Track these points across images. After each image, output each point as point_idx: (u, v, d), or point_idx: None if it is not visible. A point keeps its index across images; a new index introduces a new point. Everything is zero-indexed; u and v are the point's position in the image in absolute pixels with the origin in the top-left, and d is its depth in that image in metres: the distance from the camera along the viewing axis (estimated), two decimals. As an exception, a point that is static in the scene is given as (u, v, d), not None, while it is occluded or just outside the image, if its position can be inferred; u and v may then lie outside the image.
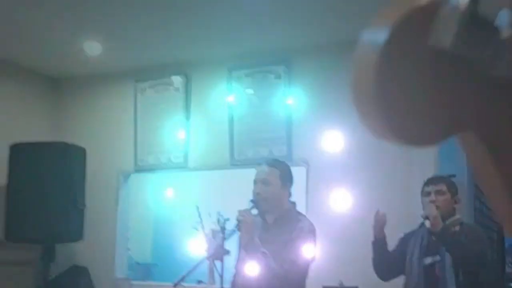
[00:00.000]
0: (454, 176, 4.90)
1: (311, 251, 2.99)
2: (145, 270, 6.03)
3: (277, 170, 3.10)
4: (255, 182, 3.09)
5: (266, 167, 3.12)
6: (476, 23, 0.67)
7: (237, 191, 5.02)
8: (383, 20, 0.69)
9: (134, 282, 5.32)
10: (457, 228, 3.24)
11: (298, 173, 4.71)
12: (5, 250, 5.03)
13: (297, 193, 4.58)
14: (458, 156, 5.05)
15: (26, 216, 4.77)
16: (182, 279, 2.81)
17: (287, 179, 3.12)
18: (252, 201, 3.06)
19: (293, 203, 3.17)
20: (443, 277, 3.17)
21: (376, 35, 0.69)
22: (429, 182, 3.38)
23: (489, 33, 0.68)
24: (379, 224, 3.34)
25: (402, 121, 0.68)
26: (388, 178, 4.45)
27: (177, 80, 5.31)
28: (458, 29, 0.67)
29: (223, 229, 5.01)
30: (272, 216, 3.08)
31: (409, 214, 3.82)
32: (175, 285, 2.78)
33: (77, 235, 4.97)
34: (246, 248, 2.93)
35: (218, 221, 5.02)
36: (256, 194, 3.06)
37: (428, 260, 3.25)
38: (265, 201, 3.04)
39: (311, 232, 3.04)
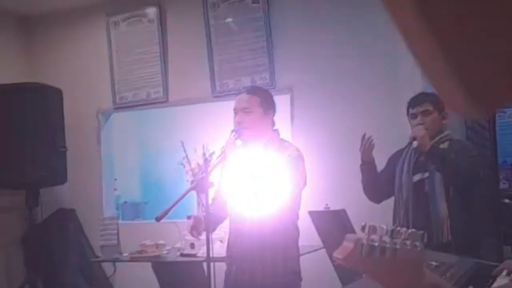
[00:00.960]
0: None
1: (303, 177, 2.90)
2: (134, 209, 5.97)
3: (258, 97, 2.95)
4: (235, 111, 2.96)
5: (246, 95, 2.97)
6: None
7: (221, 123, 4.90)
8: None
9: (122, 222, 5.25)
10: (446, 144, 3.14)
11: (282, 101, 4.60)
12: (-12, 197, 4.93)
13: (282, 121, 4.49)
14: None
15: (5, 161, 4.64)
16: (166, 212, 2.70)
17: (268, 106, 2.98)
18: (234, 130, 2.92)
19: (276, 131, 3.05)
20: (433, 194, 3.09)
21: None
22: (414, 103, 3.24)
23: None
24: (367, 148, 3.24)
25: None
26: (375, 99, 4.33)
27: (151, 11, 5.08)
28: None
29: (208, 161, 4.95)
30: (256, 145, 2.96)
31: (398, 135, 3.71)
32: (158, 219, 2.68)
33: (61, 178, 4.87)
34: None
35: (204, 155, 4.94)
36: (237, 123, 2.93)
37: (417, 177, 3.17)
38: (247, 130, 2.91)
39: (300, 158, 2.94)
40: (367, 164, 3.26)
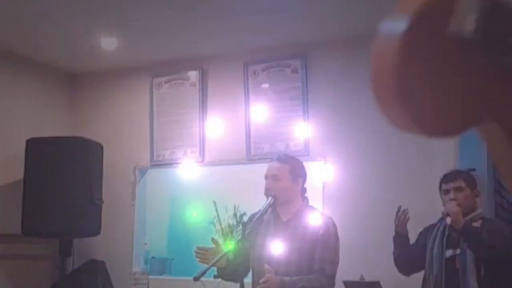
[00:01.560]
0: (474, 170, 4.84)
1: (337, 252, 2.99)
2: (161, 265, 6.03)
3: (287, 165, 3.08)
4: (266, 177, 3.09)
5: (276, 162, 3.11)
6: (498, 10, 0.64)
7: (253, 185, 5.00)
8: (403, 8, 0.67)
9: (152, 277, 5.32)
10: (478, 223, 3.19)
11: (315, 168, 4.71)
12: (23, 244, 5.06)
13: (314, 188, 4.58)
14: (478, 149, 4.99)
15: (43, 210, 4.78)
16: (204, 273, 2.77)
17: (298, 174, 3.10)
18: (271, 195, 3.02)
19: (306, 198, 3.15)
20: (464, 270, 3.12)
21: (396, 23, 0.67)
22: (447, 179, 3.31)
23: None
24: (402, 220, 3.29)
25: (424, 110, 0.66)
26: (408, 172, 4.41)
27: (193, 75, 5.30)
28: (479, 16, 0.64)
29: (239, 223, 5.03)
30: (286, 213, 3.06)
31: (429, 209, 3.78)
32: (196, 279, 2.75)
33: (95, 229, 4.98)
34: None
35: (235, 215, 5.04)
36: (266, 189, 3.06)
37: (449, 253, 3.20)
38: (277, 196, 3.02)
39: (335, 226, 3.03)
40: (401, 237, 3.31)
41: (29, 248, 5.14)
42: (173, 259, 6.25)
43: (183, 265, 5.99)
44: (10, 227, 5.00)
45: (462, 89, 0.66)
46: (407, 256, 3.34)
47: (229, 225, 4.99)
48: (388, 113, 0.68)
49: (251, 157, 5.01)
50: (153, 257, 6.00)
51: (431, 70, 0.66)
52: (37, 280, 5.20)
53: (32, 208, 4.83)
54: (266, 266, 2.81)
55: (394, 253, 3.37)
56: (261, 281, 2.79)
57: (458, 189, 3.23)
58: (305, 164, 3.55)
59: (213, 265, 2.76)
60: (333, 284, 2.96)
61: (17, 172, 4.94)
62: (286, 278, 2.86)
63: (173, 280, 5.31)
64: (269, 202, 2.98)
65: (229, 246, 2.97)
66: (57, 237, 4.95)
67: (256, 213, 3.06)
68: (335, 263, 2.96)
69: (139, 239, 5.52)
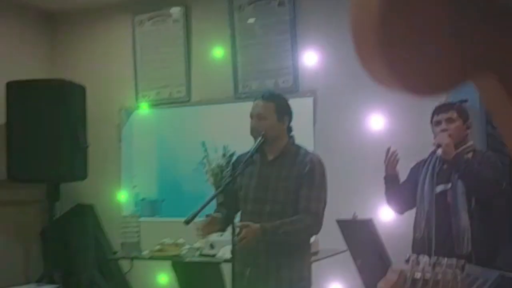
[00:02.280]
0: (466, 101, 4.76)
1: (325, 190, 2.93)
2: (152, 206, 5.98)
3: (272, 103, 2.99)
4: (251, 116, 3.00)
5: (261, 101, 3.02)
6: None
7: (242, 124, 4.90)
8: None
9: (142, 219, 5.27)
10: (470, 155, 3.14)
11: (305, 104, 4.60)
12: (9, 189, 4.98)
13: (305, 126, 4.48)
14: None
15: (28, 155, 4.69)
16: (195, 216, 2.71)
17: (284, 112, 3.01)
18: (262, 135, 2.93)
19: (292, 137, 3.07)
20: (455, 205, 3.10)
21: None
22: (439, 110, 3.24)
23: None
24: (392, 161, 3.25)
25: (408, 67, 0.56)
26: (398, 106, 4.31)
27: (176, 11, 5.10)
28: None
29: (229, 163, 4.95)
30: (272, 152, 2.98)
31: (421, 143, 3.70)
32: (187, 222, 2.68)
33: (82, 174, 4.90)
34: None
35: (224, 155, 4.96)
36: (252, 129, 2.98)
37: (440, 188, 3.16)
38: (265, 136, 2.93)
39: (321, 163, 2.96)
40: (391, 177, 3.27)
41: (16, 193, 5.07)
42: (163, 200, 6.21)
43: (173, 206, 5.95)
44: (-5, 172, 4.92)
45: (451, 43, 0.56)
46: (399, 195, 3.31)
47: (218, 165, 4.91)
48: (369, 68, 0.58)
49: (239, 95, 4.89)
50: (142, 199, 5.95)
51: (417, 23, 0.56)
52: (26, 225, 5.15)
53: (16, 153, 4.74)
54: (238, 223, 2.75)
55: (386, 194, 3.34)
56: (238, 237, 2.72)
57: (449, 120, 3.17)
58: (295, 100, 3.46)
59: (203, 208, 2.67)
60: (320, 223, 2.90)
61: (-1, 117, 4.81)
62: (268, 225, 2.79)
63: (163, 221, 5.27)
64: (259, 141, 2.89)
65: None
66: (44, 182, 4.87)
67: (243, 154, 2.98)
68: (321, 201, 2.90)
69: (127, 182, 5.45)
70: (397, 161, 3.25)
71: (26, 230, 5.12)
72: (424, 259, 1.04)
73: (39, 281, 4.58)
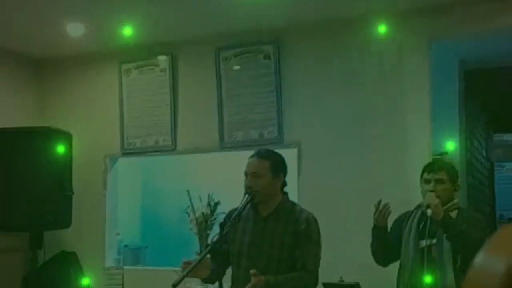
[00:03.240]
0: (446, 153, 4.88)
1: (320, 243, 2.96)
2: (134, 253, 5.95)
3: (268, 161, 3.01)
4: (246, 175, 3.00)
5: (256, 159, 3.02)
6: None
7: (228, 174, 4.94)
8: (499, 250, 0.76)
9: (126, 267, 5.25)
10: (454, 213, 3.19)
11: (289, 155, 4.65)
12: (-8, 237, 4.93)
13: (288, 176, 4.53)
14: (451, 132, 5.03)
15: (12, 203, 4.66)
16: (182, 279, 2.69)
17: (279, 169, 3.03)
18: (247, 193, 2.95)
19: (286, 193, 3.09)
20: (440, 260, 3.13)
21: (494, 264, 0.74)
22: (429, 169, 3.30)
23: None
24: (383, 214, 3.26)
25: None
26: (381, 158, 4.39)
27: (162, 60, 5.17)
28: None
29: (213, 212, 4.96)
30: (266, 209, 3.00)
31: (405, 196, 3.76)
32: (174, 286, 2.65)
33: (66, 221, 4.88)
34: None
35: (209, 204, 4.97)
36: (247, 187, 2.97)
37: (425, 243, 3.20)
38: (257, 194, 2.95)
39: (316, 221, 2.99)
40: (380, 230, 3.29)
41: (-2, 241, 5.02)
42: (146, 247, 6.18)
43: (156, 254, 5.92)
44: (-22, 220, 4.88)
45: None
46: (385, 247, 3.33)
47: (203, 214, 4.92)
48: None
49: (224, 145, 4.94)
50: (125, 246, 5.92)
51: None
52: (8, 273, 5.07)
53: (0, 201, 4.70)
54: (252, 271, 2.75)
55: (372, 245, 3.36)
56: (248, 286, 2.73)
57: (439, 181, 3.23)
58: (279, 151, 3.48)
59: (191, 270, 2.68)
60: (317, 280, 2.93)
61: (-17, 164, 4.79)
62: (272, 278, 2.81)
63: (147, 270, 5.24)
64: (246, 199, 2.92)
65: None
66: (27, 230, 4.84)
67: (233, 210, 2.99)
68: (317, 258, 2.93)
69: (111, 228, 5.44)
70: (389, 213, 3.27)
71: (8, 277, 5.05)
72: None
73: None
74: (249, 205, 2.97)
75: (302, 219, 2.94)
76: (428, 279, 3.12)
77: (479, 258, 0.79)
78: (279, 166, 3.04)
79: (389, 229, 3.41)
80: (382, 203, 3.26)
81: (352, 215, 4.28)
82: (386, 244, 3.33)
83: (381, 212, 3.24)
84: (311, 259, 2.90)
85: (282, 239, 2.91)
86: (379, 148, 4.41)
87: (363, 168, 4.42)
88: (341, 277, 3.47)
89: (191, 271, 2.65)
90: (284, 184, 3.10)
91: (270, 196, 2.98)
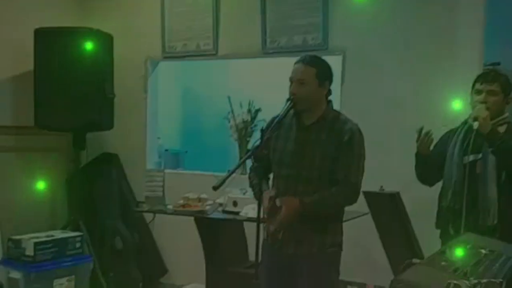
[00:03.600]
0: (498, 64, 4.63)
1: (364, 156, 2.88)
2: (175, 158, 6.03)
3: (314, 68, 2.89)
4: (291, 81, 2.91)
5: (302, 65, 2.90)
6: None
7: (269, 80, 4.86)
8: None
9: (166, 171, 5.31)
10: (504, 127, 3.05)
11: (333, 62, 4.53)
12: (36, 136, 5.02)
13: (332, 85, 4.43)
14: (504, 43, 4.76)
15: (55, 103, 4.70)
16: (223, 181, 2.66)
17: (325, 77, 2.92)
18: (289, 99, 2.87)
19: (330, 102, 3.00)
20: (484, 176, 3.02)
21: None
22: (483, 79, 3.10)
23: None
24: (425, 143, 3.13)
25: None
26: (429, 70, 4.23)
27: (206, -38, 4.99)
28: None
29: (253, 119, 4.93)
30: (309, 117, 2.92)
31: (449, 110, 3.65)
32: (215, 188, 2.63)
33: (108, 123, 4.92)
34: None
35: (249, 111, 4.94)
36: (291, 94, 2.88)
37: (470, 158, 3.09)
38: (300, 101, 2.87)
39: (361, 133, 2.89)
40: (423, 156, 3.17)
41: (42, 141, 5.12)
42: (186, 152, 6.25)
43: (196, 159, 5.99)
44: (22, 119, 4.96)
45: None
46: (429, 170, 3.22)
47: (243, 120, 4.90)
48: None
49: (266, 51, 4.83)
50: (166, 150, 5.99)
51: None
52: (52, 172, 5.21)
53: (43, 101, 4.75)
54: (278, 201, 2.72)
55: (416, 169, 3.25)
56: (279, 216, 2.71)
57: (491, 93, 3.05)
58: (323, 58, 3.37)
59: (232, 173, 2.65)
60: (358, 193, 2.87)
61: (27, 63, 4.81)
62: (307, 200, 2.77)
63: (187, 174, 5.31)
64: (288, 106, 2.84)
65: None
66: (70, 131, 4.90)
67: (276, 117, 2.92)
68: (360, 171, 2.85)
69: (152, 132, 5.48)
70: (431, 140, 3.14)
71: (52, 176, 5.19)
72: (465, 284, 1.02)
73: (64, 228, 4.66)
74: (291, 112, 2.89)
75: (346, 129, 2.85)
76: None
77: None
78: (325, 74, 2.93)
79: (434, 146, 3.29)
80: (424, 131, 3.11)
81: (394, 126, 4.19)
82: (431, 165, 3.21)
83: (423, 140, 3.11)
84: (353, 171, 2.82)
85: (325, 149, 2.84)
86: (426, 57, 4.24)
87: (409, 78, 4.27)
88: (381, 186, 3.41)
89: (232, 173, 2.62)
90: (329, 92, 2.99)
91: (314, 105, 2.89)
